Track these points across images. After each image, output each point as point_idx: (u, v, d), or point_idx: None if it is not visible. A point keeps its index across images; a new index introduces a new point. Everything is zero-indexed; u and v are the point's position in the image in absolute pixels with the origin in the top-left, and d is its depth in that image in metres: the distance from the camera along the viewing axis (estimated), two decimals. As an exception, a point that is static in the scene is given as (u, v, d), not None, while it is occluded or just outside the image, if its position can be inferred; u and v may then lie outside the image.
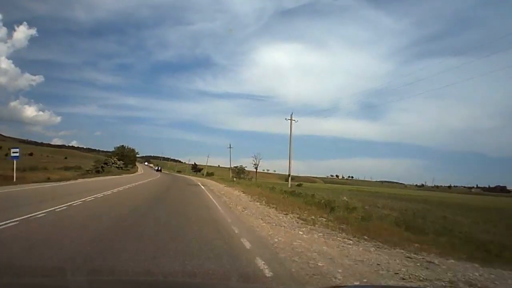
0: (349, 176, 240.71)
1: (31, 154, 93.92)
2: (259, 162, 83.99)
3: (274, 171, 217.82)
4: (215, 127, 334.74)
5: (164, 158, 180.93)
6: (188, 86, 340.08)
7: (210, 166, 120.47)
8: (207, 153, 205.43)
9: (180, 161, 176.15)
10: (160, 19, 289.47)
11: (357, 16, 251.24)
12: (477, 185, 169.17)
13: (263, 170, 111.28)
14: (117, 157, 65.27)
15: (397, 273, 4.84)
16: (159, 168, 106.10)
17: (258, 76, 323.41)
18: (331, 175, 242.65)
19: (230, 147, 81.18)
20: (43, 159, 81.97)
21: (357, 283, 4.42)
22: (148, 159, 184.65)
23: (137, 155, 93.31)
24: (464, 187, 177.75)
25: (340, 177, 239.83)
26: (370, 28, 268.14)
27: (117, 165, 58.04)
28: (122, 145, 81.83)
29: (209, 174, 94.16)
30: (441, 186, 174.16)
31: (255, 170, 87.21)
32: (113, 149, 78.92)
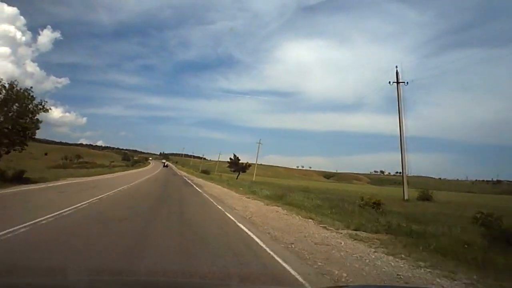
0: (397, 172, 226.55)
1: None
2: None
3: (310, 167, 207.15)
4: (240, 124, 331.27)
5: (186, 155, 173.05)
6: (212, 85, 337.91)
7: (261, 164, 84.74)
8: (234, 151, 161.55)
9: (205, 158, 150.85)
10: (182, 20, 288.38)
11: (380, 9, 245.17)
12: None
13: (297, 166, 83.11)
14: None
15: None
16: (166, 164, 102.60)
17: (282, 73, 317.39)
18: (375, 171, 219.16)
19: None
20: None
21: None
22: (167, 156, 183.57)
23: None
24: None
25: (386, 173, 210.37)
26: (394, 21, 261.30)
27: None
28: None
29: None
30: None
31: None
32: None
